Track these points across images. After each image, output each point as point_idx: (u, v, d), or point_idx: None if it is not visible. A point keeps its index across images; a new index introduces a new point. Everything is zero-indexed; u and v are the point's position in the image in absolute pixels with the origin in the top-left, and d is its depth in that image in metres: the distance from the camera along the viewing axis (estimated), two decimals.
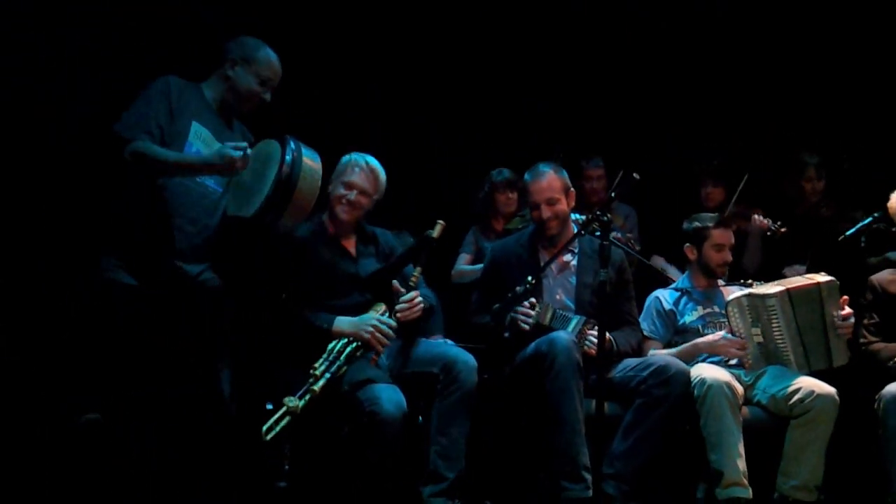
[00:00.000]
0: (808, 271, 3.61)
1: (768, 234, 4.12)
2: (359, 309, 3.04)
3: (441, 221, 3.07)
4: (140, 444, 2.58)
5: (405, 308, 3.00)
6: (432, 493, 2.86)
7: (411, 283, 3.03)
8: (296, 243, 3.07)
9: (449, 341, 3.34)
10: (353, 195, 3.09)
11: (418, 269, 3.05)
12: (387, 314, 3.01)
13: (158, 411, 2.60)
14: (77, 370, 3.02)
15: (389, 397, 2.76)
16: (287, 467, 2.82)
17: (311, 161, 2.77)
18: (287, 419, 2.67)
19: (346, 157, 3.18)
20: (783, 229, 4.05)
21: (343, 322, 2.95)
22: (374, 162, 3.16)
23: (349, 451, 2.84)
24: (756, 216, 4.18)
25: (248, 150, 2.63)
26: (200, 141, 2.74)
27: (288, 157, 2.69)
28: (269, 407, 2.74)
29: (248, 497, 2.77)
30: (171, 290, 2.70)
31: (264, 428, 2.64)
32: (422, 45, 4.59)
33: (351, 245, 3.18)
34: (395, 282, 3.07)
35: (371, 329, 2.92)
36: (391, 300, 3.04)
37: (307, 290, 3.04)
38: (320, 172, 2.80)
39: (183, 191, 2.73)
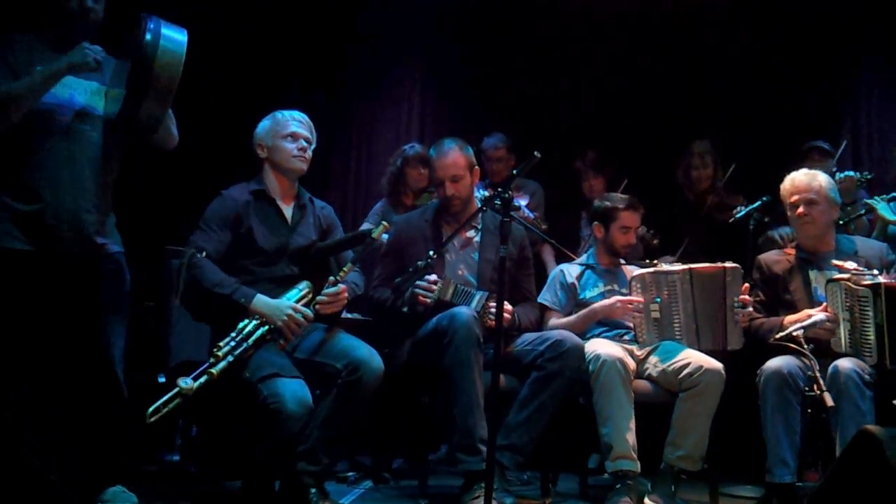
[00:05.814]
0: (680, 261, 3.70)
1: (643, 240, 4.08)
2: (284, 281, 2.97)
3: (385, 223, 3.06)
4: (19, 416, 2.49)
5: (327, 302, 2.93)
6: (305, 470, 2.83)
7: (340, 277, 2.95)
8: (236, 202, 2.99)
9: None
10: (303, 143, 3.07)
11: (349, 264, 2.98)
12: (309, 296, 2.93)
13: (41, 384, 2.51)
14: None
15: (294, 394, 2.66)
16: (179, 441, 2.77)
17: (173, 34, 2.65)
18: (177, 401, 2.57)
19: (268, 118, 3.11)
20: (656, 241, 4.07)
21: (261, 302, 2.83)
22: (302, 114, 3.13)
23: (243, 437, 2.78)
24: None
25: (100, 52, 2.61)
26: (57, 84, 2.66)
27: (147, 36, 2.59)
28: (162, 380, 2.66)
29: (137, 470, 2.69)
30: (63, 255, 2.61)
31: (150, 409, 2.53)
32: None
33: (287, 211, 3.10)
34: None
35: (286, 318, 2.83)
36: (318, 280, 2.96)
37: (234, 252, 2.95)
38: (185, 47, 2.66)
39: (49, 147, 2.65)
